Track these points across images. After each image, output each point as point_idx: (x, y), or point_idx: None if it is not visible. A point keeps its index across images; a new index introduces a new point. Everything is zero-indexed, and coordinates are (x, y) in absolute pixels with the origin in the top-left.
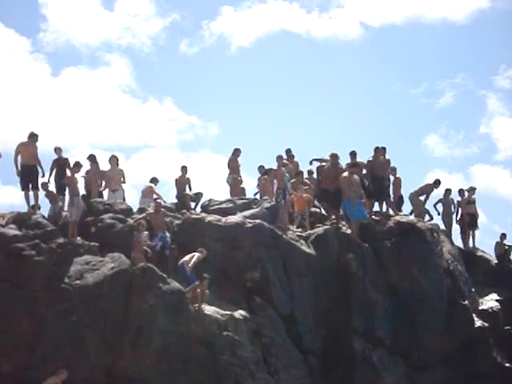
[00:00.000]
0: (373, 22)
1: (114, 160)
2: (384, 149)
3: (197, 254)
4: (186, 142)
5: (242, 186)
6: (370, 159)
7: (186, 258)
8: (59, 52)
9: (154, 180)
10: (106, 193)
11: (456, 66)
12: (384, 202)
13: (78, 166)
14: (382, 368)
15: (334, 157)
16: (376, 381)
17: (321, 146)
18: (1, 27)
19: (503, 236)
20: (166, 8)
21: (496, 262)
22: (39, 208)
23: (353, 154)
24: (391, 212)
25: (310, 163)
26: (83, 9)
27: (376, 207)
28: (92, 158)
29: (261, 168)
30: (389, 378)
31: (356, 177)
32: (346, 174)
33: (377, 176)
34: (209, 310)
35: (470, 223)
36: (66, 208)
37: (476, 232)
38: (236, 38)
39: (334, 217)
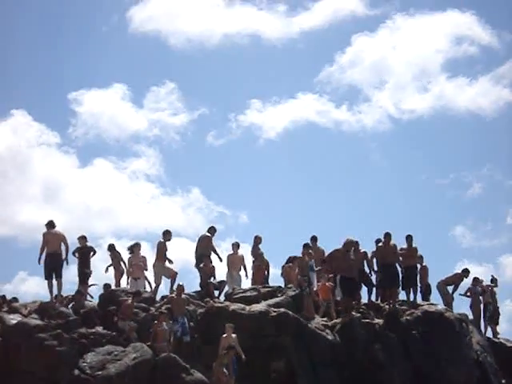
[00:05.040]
0: (400, 115)
1: (136, 247)
2: (411, 237)
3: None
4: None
5: (265, 273)
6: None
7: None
8: (88, 145)
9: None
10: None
11: (482, 157)
12: (411, 291)
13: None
14: None
15: (349, 244)
16: None
17: (348, 234)
18: (34, 123)
19: None
20: (193, 103)
21: None
22: (87, 297)
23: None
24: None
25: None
26: (112, 105)
27: (403, 296)
28: (111, 248)
29: (290, 258)
30: None
31: None
32: None
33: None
34: None
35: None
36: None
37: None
38: (264, 130)
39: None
